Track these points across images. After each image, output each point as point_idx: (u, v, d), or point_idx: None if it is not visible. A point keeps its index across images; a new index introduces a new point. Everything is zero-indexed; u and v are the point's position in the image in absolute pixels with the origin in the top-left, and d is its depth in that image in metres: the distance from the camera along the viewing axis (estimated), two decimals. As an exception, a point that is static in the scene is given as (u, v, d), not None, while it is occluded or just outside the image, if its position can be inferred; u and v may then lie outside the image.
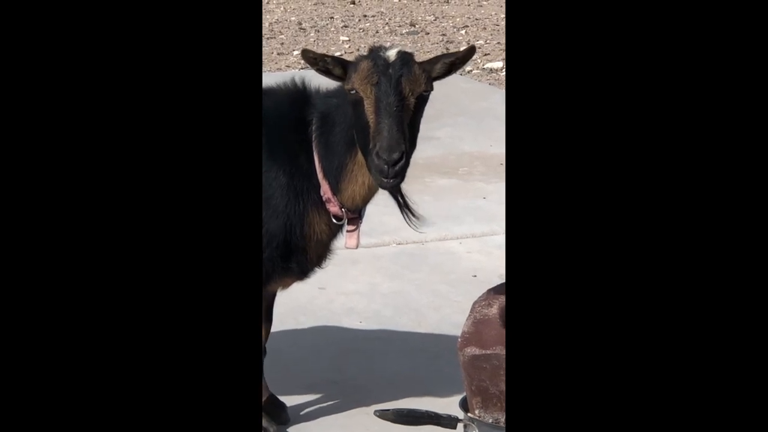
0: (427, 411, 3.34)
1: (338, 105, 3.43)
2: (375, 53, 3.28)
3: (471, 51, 3.40)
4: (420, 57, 3.41)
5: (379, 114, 3.21)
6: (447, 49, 9.69)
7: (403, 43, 9.77)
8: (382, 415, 3.35)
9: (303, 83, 3.54)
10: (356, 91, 3.25)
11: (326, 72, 3.32)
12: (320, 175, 3.45)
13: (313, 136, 3.45)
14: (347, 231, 3.53)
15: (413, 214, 3.53)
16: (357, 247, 3.56)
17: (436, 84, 3.34)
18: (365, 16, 11.01)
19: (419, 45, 9.89)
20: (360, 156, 3.35)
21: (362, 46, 9.85)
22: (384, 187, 3.29)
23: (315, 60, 3.30)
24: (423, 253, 5.34)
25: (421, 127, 3.32)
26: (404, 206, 3.51)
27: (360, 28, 10.54)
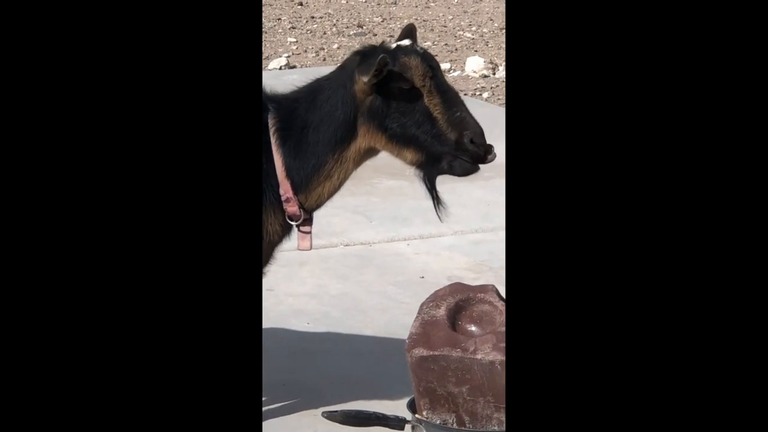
0: (374, 412, 3.35)
1: (308, 108, 3.42)
2: (408, 47, 3.31)
3: (410, 27, 3.46)
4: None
5: (449, 105, 3.26)
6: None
7: (351, 44, 9.77)
8: (330, 416, 3.35)
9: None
10: (416, 88, 3.26)
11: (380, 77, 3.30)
12: (281, 176, 3.43)
13: (274, 138, 3.43)
14: (302, 232, 3.52)
15: (441, 203, 3.49)
16: (311, 248, 3.56)
17: None
18: (312, 17, 10.98)
19: (367, 46, 9.88)
20: (345, 154, 3.37)
21: (309, 47, 9.84)
22: (471, 173, 3.30)
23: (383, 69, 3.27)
24: (370, 255, 5.35)
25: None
26: (437, 196, 3.48)
27: (307, 30, 10.51)
